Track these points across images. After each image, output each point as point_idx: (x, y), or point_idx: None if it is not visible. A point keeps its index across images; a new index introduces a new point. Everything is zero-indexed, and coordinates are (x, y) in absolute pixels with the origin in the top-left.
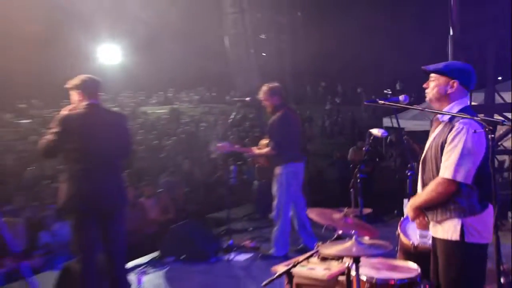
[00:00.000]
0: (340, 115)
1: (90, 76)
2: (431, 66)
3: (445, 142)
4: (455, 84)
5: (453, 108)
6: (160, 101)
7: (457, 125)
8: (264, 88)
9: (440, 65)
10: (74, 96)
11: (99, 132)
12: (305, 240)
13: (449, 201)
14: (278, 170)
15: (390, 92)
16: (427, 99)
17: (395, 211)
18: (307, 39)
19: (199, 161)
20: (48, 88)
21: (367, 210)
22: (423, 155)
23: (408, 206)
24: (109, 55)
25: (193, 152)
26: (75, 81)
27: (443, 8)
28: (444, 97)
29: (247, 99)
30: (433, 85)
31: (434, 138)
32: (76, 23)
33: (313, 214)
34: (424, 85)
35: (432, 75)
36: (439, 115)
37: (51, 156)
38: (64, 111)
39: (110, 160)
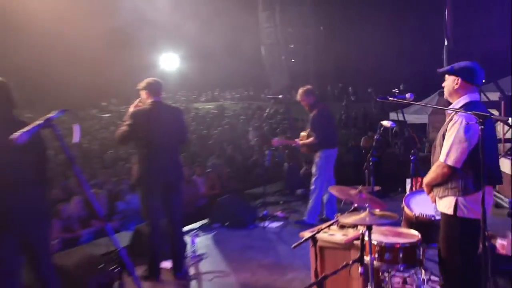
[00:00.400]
0: (354, 110)
1: (155, 79)
2: (443, 69)
3: (446, 131)
4: (458, 81)
5: (460, 102)
6: (208, 99)
7: (455, 117)
8: (300, 90)
9: (449, 66)
10: (143, 95)
11: (161, 123)
12: (328, 212)
13: (448, 181)
14: (317, 154)
15: (397, 91)
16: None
17: (399, 189)
18: (328, 48)
19: (239, 147)
20: (122, 89)
21: (377, 188)
22: (434, 142)
23: (423, 183)
24: (169, 62)
25: (234, 139)
26: (143, 83)
27: (439, 21)
28: (453, 92)
29: (280, 96)
30: (445, 84)
31: (441, 128)
32: (143, 38)
33: (334, 190)
34: (442, 84)
35: (446, 75)
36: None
37: (124, 143)
38: (132, 108)
39: (170, 146)
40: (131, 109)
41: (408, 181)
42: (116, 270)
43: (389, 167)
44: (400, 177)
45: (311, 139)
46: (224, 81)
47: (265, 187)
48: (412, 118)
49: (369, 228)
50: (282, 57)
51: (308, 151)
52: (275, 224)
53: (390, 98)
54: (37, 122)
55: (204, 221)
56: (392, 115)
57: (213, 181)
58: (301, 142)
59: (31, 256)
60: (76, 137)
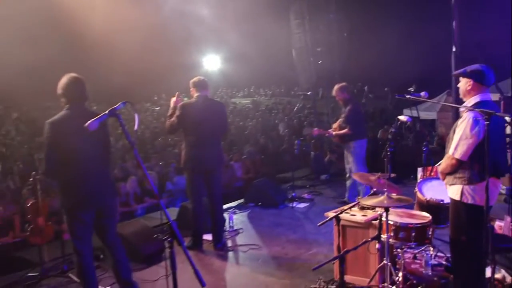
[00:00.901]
0: (372, 106)
1: (201, 77)
2: (457, 72)
3: (456, 127)
4: (470, 83)
5: (471, 101)
6: (245, 95)
7: (464, 115)
8: (336, 87)
9: (462, 69)
10: (192, 91)
11: (205, 114)
12: (349, 195)
13: (455, 171)
14: (351, 144)
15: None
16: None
17: (411, 176)
18: (350, 51)
19: (271, 137)
20: (171, 85)
21: (393, 175)
22: (448, 136)
23: (439, 171)
24: (211, 63)
25: (267, 130)
26: (192, 80)
27: (448, 29)
28: (466, 93)
29: (308, 93)
30: (459, 85)
31: (454, 124)
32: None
33: (356, 176)
34: (457, 85)
35: (460, 77)
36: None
37: (173, 133)
38: (172, 101)
39: (213, 135)
40: (172, 103)
41: (419, 169)
42: (167, 240)
43: (402, 157)
44: (412, 166)
45: (345, 130)
46: (259, 80)
47: (294, 172)
48: (423, 114)
49: (387, 210)
50: (310, 59)
51: (340, 141)
52: (302, 205)
53: (407, 96)
54: (105, 112)
55: (240, 201)
56: (406, 111)
57: (248, 166)
58: (334, 132)
59: (102, 227)
60: (136, 125)
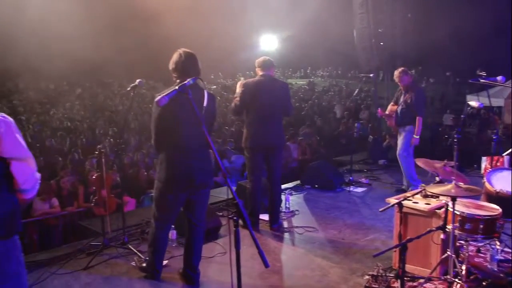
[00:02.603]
0: (432, 91)
1: (266, 57)
2: None
3: None
4: None
5: None
6: (301, 76)
7: None
8: (396, 72)
9: None
10: (257, 70)
11: (268, 93)
12: (410, 179)
13: None
14: (407, 128)
15: (485, 74)
16: None
17: (474, 166)
18: (413, 33)
19: (328, 119)
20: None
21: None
22: None
23: None
24: (268, 43)
25: (323, 112)
26: (258, 59)
27: None
28: None
29: (371, 75)
30: None
31: None
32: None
33: (421, 162)
34: None
35: None
36: None
37: (238, 114)
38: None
39: (275, 114)
40: (238, 87)
41: (484, 158)
42: (233, 219)
43: (464, 145)
44: (475, 154)
45: (418, 118)
46: (316, 61)
47: (352, 156)
48: (489, 101)
49: (454, 199)
50: (372, 40)
51: (393, 124)
52: (359, 189)
53: (481, 80)
54: (175, 87)
55: (296, 182)
56: (469, 97)
57: (304, 148)
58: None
59: (192, 205)
60: (206, 102)
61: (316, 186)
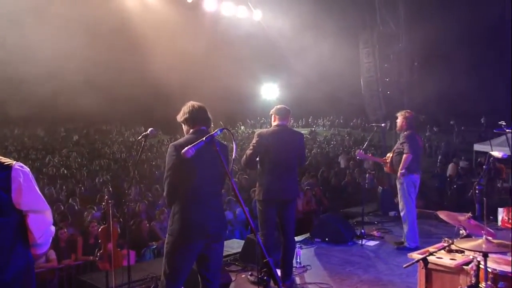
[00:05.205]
0: (436, 140)
1: (283, 106)
2: None
3: None
4: None
5: None
6: (302, 125)
7: None
8: (401, 112)
9: None
10: (274, 118)
11: (284, 144)
12: (409, 239)
13: None
14: (401, 180)
15: (504, 123)
16: None
17: (490, 217)
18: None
19: (333, 169)
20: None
21: (469, 215)
22: None
23: None
24: (269, 92)
25: (327, 162)
26: (276, 107)
27: None
28: None
29: (382, 124)
30: None
31: None
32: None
33: (443, 215)
34: None
35: None
36: None
37: (251, 166)
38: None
39: (290, 165)
40: (259, 130)
41: (501, 210)
42: (263, 278)
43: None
44: (489, 205)
45: (405, 156)
46: (317, 109)
47: (363, 207)
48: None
49: (486, 255)
50: (379, 89)
51: (391, 171)
52: (372, 243)
53: (507, 130)
54: (202, 139)
55: (306, 235)
56: (477, 147)
57: (309, 199)
58: (388, 160)
59: (206, 259)
60: (234, 153)
61: (327, 239)
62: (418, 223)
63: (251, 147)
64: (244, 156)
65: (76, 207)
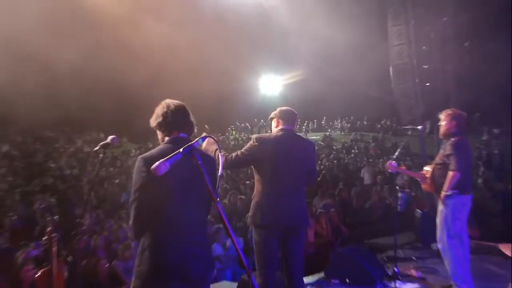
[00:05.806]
0: (497, 146)
1: (289, 108)
2: None
3: None
4: None
5: None
6: (313, 128)
7: None
8: (446, 111)
9: None
10: (276, 121)
11: (288, 154)
12: (455, 279)
13: None
14: (446, 202)
15: None
16: None
17: None
18: (472, 69)
19: (354, 186)
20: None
21: None
22: None
23: None
24: (270, 86)
25: (347, 178)
26: (280, 108)
27: None
28: None
29: (419, 127)
30: None
31: None
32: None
33: (509, 250)
34: None
35: None
36: None
37: (234, 168)
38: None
39: (297, 182)
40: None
41: None
42: None
43: None
44: None
45: (451, 173)
46: (333, 108)
47: (396, 237)
48: None
49: None
50: (415, 80)
51: (432, 189)
52: (409, 286)
53: None
54: (179, 150)
55: (320, 275)
56: None
57: (323, 226)
58: (427, 175)
59: None
60: (220, 170)
61: (348, 280)
62: (472, 261)
63: (244, 151)
64: (231, 157)
65: (4, 245)
